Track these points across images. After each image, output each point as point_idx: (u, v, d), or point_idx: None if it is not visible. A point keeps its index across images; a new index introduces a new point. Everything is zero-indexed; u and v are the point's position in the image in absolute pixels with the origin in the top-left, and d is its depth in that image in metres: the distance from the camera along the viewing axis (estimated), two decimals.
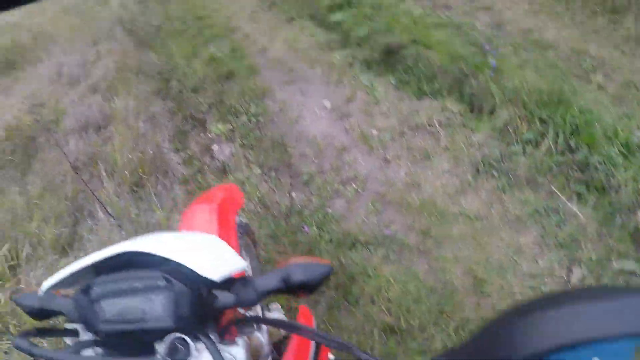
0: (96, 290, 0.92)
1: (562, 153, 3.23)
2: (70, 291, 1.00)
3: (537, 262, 2.73)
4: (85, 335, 0.99)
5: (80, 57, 6.49)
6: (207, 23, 7.29)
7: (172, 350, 0.89)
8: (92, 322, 0.92)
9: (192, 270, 0.90)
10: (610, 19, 4.45)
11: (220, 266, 0.93)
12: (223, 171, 4.03)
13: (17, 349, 0.93)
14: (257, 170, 3.88)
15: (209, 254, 0.96)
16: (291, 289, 0.94)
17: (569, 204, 2.93)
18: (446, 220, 3.00)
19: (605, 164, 3.05)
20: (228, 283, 0.94)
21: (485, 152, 3.36)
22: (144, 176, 4.04)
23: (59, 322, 2.66)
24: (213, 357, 0.86)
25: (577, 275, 2.67)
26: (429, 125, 3.71)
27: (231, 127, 4.54)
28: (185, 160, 4.35)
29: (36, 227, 3.55)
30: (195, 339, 0.89)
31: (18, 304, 1.00)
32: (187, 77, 5.58)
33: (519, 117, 3.50)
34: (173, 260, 0.90)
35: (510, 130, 3.47)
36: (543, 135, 3.35)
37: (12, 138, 4.91)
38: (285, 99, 4.72)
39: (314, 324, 1.29)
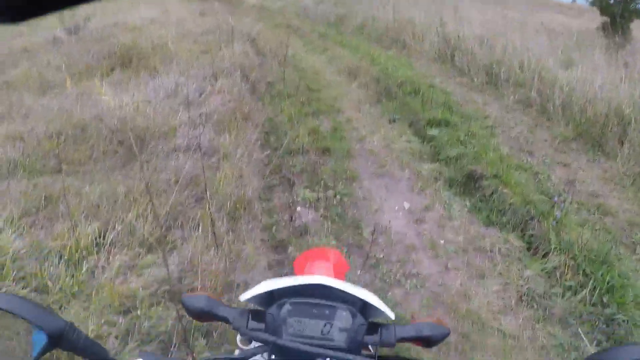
0: (290, 308, 1.13)
1: (594, 304, 3.74)
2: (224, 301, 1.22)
3: None
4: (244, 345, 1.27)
5: (198, 85, 7.16)
6: (316, 96, 8.12)
7: None
8: (275, 333, 1.11)
9: (374, 307, 1.16)
10: None
11: (386, 310, 1.18)
12: (303, 232, 4.61)
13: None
14: (333, 242, 4.48)
15: (377, 299, 1.18)
16: (419, 340, 1.16)
17: (589, 346, 3.45)
18: (485, 331, 3.56)
19: (628, 322, 3.55)
20: (375, 326, 1.17)
21: (531, 286, 3.92)
22: (240, 211, 4.58)
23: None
24: None
25: None
26: (490, 252, 4.31)
27: (317, 197, 5.20)
28: (267, 211, 4.98)
29: (132, 218, 3.96)
30: None
31: (184, 304, 1.18)
32: (287, 138, 6.29)
33: (567, 265, 4.04)
34: (358, 298, 1.14)
35: (557, 275, 4.02)
36: (583, 286, 3.87)
37: (123, 132, 5.38)
38: (372, 189, 5.39)
39: None
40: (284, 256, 4.36)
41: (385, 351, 1.34)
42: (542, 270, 4.11)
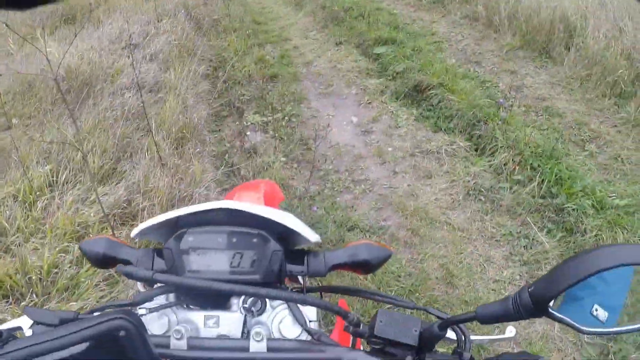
0: (189, 240, 0.98)
1: (543, 197, 3.74)
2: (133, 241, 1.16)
3: (502, 271, 3.25)
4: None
5: (142, 29, 6.93)
6: (262, 28, 7.97)
7: (250, 304, 0.98)
8: (175, 271, 0.97)
9: (297, 233, 1.00)
10: (615, 102, 4.98)
11: (309, 233, 1.02)
12: (252, 153, 4.55)
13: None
14: (282, 158, 4.42)
15: (299, 222, 1.03)
16: (355, 266, 1.03)
17: (539, 233, 3.46)
18: (433, 225, 3.56)
19: (577, 211, 3.56)
20: (301, 254, 1.03)
21: (478, 181, 3.92)
22: (187, 136, 4.50)
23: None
24: (291, 310, 0.97)
25: None
26: (437, 153, 4.29)
27: (266, 120, 5.11)
28: (218, 141, 4.90)
29: (80, 156, 3.83)
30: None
31: (83, 251, 1.04)
32: (235, 70, 6.17)
33: (513, 160, 4.04)
34: (274, 223, 0.98)
35: (504, 170, 4.02)
36: (531, 179, 3.86)
37: (69, 80, 5.28)
38: (319, 107, 5.32)
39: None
40: (236, 181, 4.30)
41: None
42: (489, 166, 4.11)
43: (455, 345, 0.90)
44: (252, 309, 0.98)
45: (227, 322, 0.97)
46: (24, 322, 0.93)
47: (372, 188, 3.99)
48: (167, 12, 7.79)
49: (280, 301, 0.99)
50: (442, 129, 4.71)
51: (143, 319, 0.87)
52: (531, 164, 3.99)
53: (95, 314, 0.86)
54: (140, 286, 1.12)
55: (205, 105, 5.43)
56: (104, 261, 1.03)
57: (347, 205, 3.82)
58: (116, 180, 3.83)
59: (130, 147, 4.24)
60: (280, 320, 0.98)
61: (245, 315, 0.98)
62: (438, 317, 0.91)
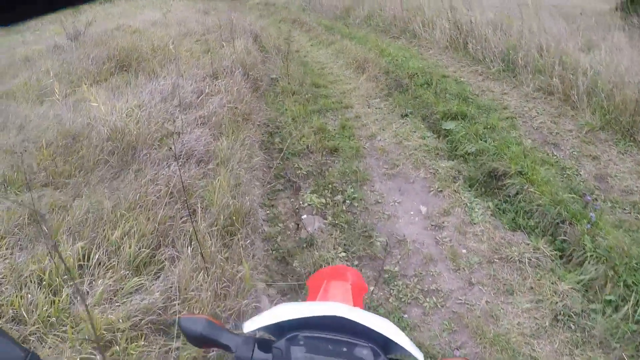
0: (300, 344, 0.99)
1: (638, 322, 3.27)
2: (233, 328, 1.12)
3: None
4: None
5: (196, 85, 6.76)
6: (322, 92, 7.70)
7: None
8: None
9: (397, 344, 1.01)
10: None
11: (417, 353, 1.03)
12: (309, 244, 4.20)
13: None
14: (342, 254, 4.07)
15: (408, 340, 1.03)
16: None
17: None
18: (515, 359, 3.11)
19: None
20: None
21: (567, 303, 3.44)
22: (235, 225, 4.12)
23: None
24: None
25: None
26: (519, 262, 3.84)
27: (324, 202, 4.77)
28: (270, 219, 4.57)
29: (118, 237, 3.60)
30: None
31: (182, 328, 1.05)
32: (292, 138, 5.88)
33: (606, 275, 3.57)
34: (383, 337, 0.99)
35: (595, 287, 3.55)
36: (625, 300, 3.40)
37: (114, 140, 5.06)
38: (384, 192, 4.95)
39: None
40: (288, 269, 3.97)
41: None
42: (577, 282, 3.62)
43: None
44: None
45: None
46: None
47: (445, 302, 3.56)
48: (223, 68, 7.63)
49: None
50: (521, 226, 4.26)
51: None
52: (625, 280, 3.52)
53: None
54: None
55: (260, 182, 5.12)
56: (202, 341, 1.04)
57: (415, 323, 3.41)
58: (153, 272, 3.46)
59: (172, 230, 3.87)
60: None
61: None
62: None
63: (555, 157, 5.26)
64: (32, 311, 2.92)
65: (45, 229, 3.62)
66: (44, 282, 3.13)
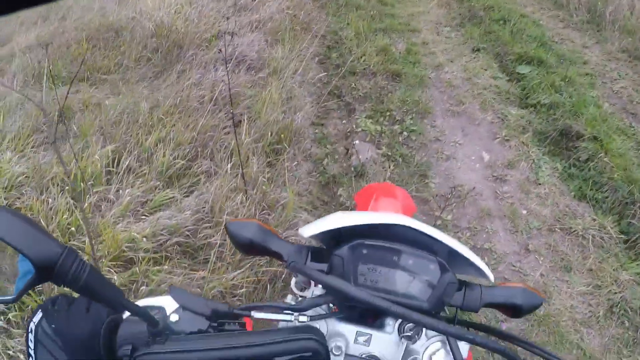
0: (365, 252, 0.92)
1: None
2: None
3: None
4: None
5: None
6: (389, 11, 7.22)
7: (410, 331, 0.96)
8: (344, 277, 0.90)
9: (461, 263, 0.95)
10: None
11: (487, 271, 0.97)
12: (358, 173, 3.97)
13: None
14: None
15: (477, 256, 0.97)
16: (506, 307, 0.98)
17: None
18: (562, 344, 2.91)
19: None
20: (460, 284, 0.96)
21: (625, 296, 3.21)
22: (283, 144, 3.95)
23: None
24: (451, 346, 0.93)
25: None
26: (582, 238, 3.58)
27: (380, 129, 4.49)
28: (319, 139, 4.31)
29: (152, 143, 3.45)
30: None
31: (230, 232, 0.98)
32: (352, 56, 5.52)
33: None
34: (446, 248, 0.93)
35: None
36: None
37: (159, 37, 4.82)
38: (445, 129, 4.66)
39: None
40: (332, 197, 3.75)
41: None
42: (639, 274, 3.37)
43: None
44: (410, 334, 0.95)
45: (379, 342, 0.96)
46: (167, 303, 0.86)
47: (497, 266, 3.35)
48: None
49: (436, 332, 0.94)
50: (589, 198, 3.96)
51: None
52: None
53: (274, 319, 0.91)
54: (294, 286, 1.12)
55: (313, 98, 4.81)
56: (251, 247, 0.97)
57: None
58: (186, 187, 3.29)
59: (212, 142, 3.67)
60: (434, 352, 0.97)
61: (401, 340, 0.96)
62: None
63: (633, 129, 4.85)
64: (52, 217, 2.79)
65: (75, 128, 3.48)
66: (67, 187, 2.98)
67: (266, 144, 3.83)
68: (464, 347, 0.95)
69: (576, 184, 4.08)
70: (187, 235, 2.93)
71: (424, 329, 0.96)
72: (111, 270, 2.59)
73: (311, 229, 0.96)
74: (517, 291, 0.97)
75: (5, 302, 0.72)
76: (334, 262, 0.92)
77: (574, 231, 3.63)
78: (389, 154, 4.22)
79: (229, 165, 3.38)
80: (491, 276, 0.97)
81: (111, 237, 2.68)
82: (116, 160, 3.23)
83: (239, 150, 3.27)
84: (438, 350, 0.96)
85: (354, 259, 0.91)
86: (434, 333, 0.97)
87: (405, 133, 4.49)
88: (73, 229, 2.74)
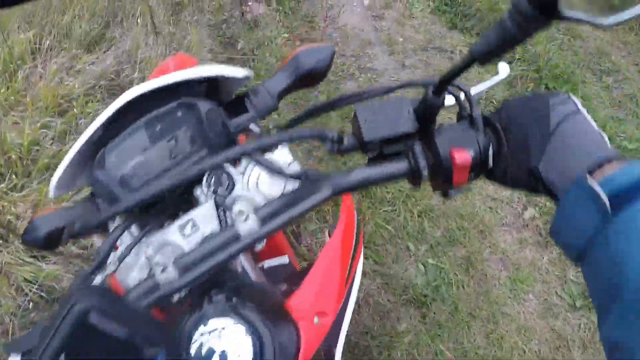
0: (111, 158, 0.80)
1: None
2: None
3: None
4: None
5: None
6: None
7: (215, 185, 0.81)
8: (118, 200, 0.79)
9: (217, 81, 0.86)
10: None
11: (234, 70, 0.85)
12: (253, 26, 4.19)
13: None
14: (285, 34, 4.07)
15: (218, 66, 0.84)
16: (303, 80, 0.88)
17: None
18: None
19: None
20: (240, 100, 0.87)
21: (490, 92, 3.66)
22: (185, 2, 4.07)
23: None
24: (262, 165, 0.77)
25: None
26: (451, 52, 3.99)
27: None
28: (216, 9, 4.48)
29: (68, 20, 3.47)
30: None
31: (26, 242, 0.83)
32: None
33: (529, 76, 3.82)
34: (190, 84, 0.82)
35: (519, 83, 3.80)
36: None
37: None
38: None
39: (355, 217, 1.06)
40: (233, 52, 3.96)
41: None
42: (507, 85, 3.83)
43: (457, 111, 0.74)
44: (219, 189, 0.80)
45: (205, 219, 0.79)
46: None
47: (378, 79, 3.70)
48: None
49: (246, 163, 0.82)
50: (459, 27, 4.36)
51: (119, 273, 0.77)
52: (546, 84, 3.75)
53: None
54: (97, 240, 0.95)
55: None
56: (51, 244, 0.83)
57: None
58: (105, 48, 3.43)
59: (122, 10, 3.75)
60: (256, 183, 0.81)
61: (216, 200, 0.80)
62: (426, 85, 0.73)
63: None
64: None
65: None
66: None
67: (168, 3, 3.98)
68: (283, 154, 0.82)
69: (448, 17, 4.44)
70: (112, 78, 3.15)
71: (232, 174, 0.82)
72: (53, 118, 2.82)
73: (52, 184, 0.83)
74: (300, 58, 0.86)
75: None
76: (97, 190, 0.83)
77: (444, 49, 4.03)
78: (280, 8, 4.44)
79: (139, 20, 3.56)
80: (241, 72, 0.85)
81: (47, 90, 2.90)
82: (38, 42, 3.31)
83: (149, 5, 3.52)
84: (259, 176, 0.81)
85: (110, 171, 0.80)
86: (243, 168, 0.82)
87: None
88: (12, 98, 2.92)
